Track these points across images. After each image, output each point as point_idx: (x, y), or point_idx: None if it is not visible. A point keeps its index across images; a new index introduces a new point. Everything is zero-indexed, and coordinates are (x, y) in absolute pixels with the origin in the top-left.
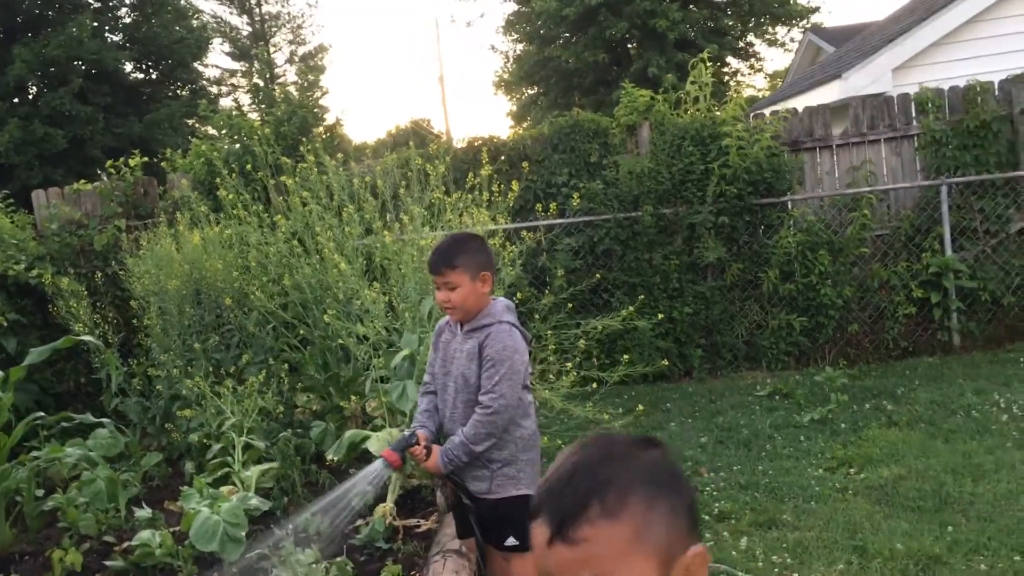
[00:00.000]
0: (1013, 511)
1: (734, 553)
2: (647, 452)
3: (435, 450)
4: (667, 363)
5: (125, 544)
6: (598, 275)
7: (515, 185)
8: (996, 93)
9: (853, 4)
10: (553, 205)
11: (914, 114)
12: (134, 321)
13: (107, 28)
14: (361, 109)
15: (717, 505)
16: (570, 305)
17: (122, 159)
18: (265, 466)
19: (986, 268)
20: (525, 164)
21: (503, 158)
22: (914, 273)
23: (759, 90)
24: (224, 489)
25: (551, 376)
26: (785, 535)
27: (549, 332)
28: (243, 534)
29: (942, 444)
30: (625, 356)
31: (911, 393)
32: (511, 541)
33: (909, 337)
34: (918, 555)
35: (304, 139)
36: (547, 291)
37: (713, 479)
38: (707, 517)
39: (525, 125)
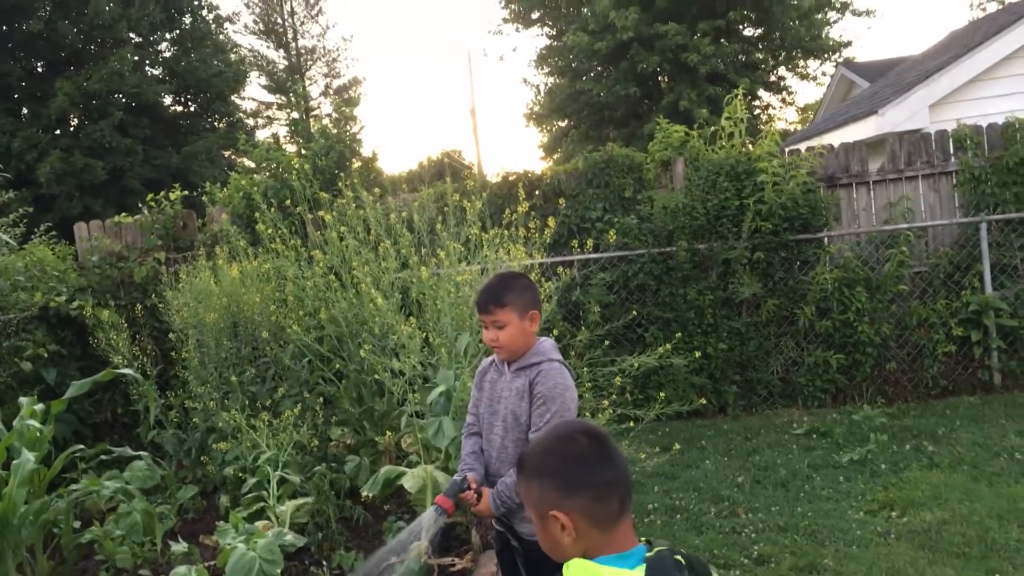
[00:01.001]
0: None
1: None
2: (566, 445)
3: (485, 493)
4: (703, 401)
5: None
6: (634, 311)
7: (551, 221)
8: None
9: (886, 39)
10: (589, 240)
11: (952, 150)
12: (172, 353)
13: (147, 62)
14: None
15: (756, 548)
16: (606, 342)
17: (162, 192)
18: (300, 501)
19: None
20: (561, 200)
21: (538, 193)
22: (953, 311)
23: (790, 123)
24: (259, 524)
25: (587, 414)
26: None
27: (585, 369)
28: (278, 571)
29: (986, 488)
30: (660, 393)
31: (952, 434)
32: None
33: (949, 376)
34: None
35: (341, 173)
36: (582, 325)
37: (751, 520)
38: (746, 560)
39: (556, 157)
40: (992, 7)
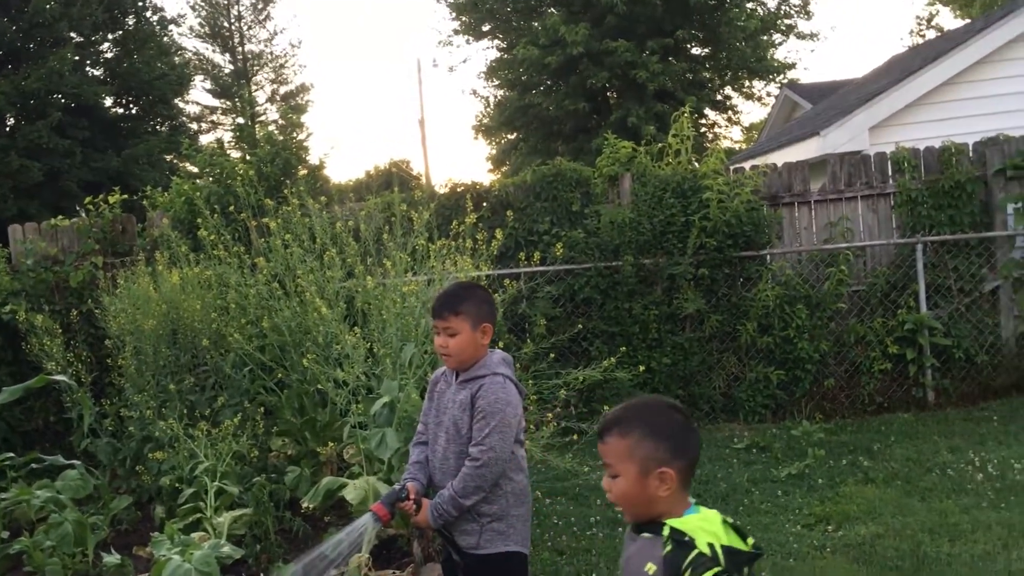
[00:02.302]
0: (990, 573)
1: None
2: (671, 415)
3: (425, 504)
4: None
5: None
6: (580, 324)
7: (499, 233)
8: (970, 155)
9: (829, 62)
10: (536, 253)
11: (890, 172)
12: (108, 360)
13: (88, 62)
14: (341, 148)
15: None
16: (551, 355)
17: (101, 196)
18: (238, 512)
19: (960, 326)
20: (510, 213)
21: (485, 205)
22: (889, 329)
23: (736, 142)
24: (195, 535)
25: (531, 426)
26: None
27: (529, 382)
28: None
29: (918, 502)
30: (605, 406)
31: (887, 449)
32: None
33: (884, 393)
34: None
35: (287, 180)
36: (527, 339)
37: None
38: None
39: (504, 170)
40: (931, 34)
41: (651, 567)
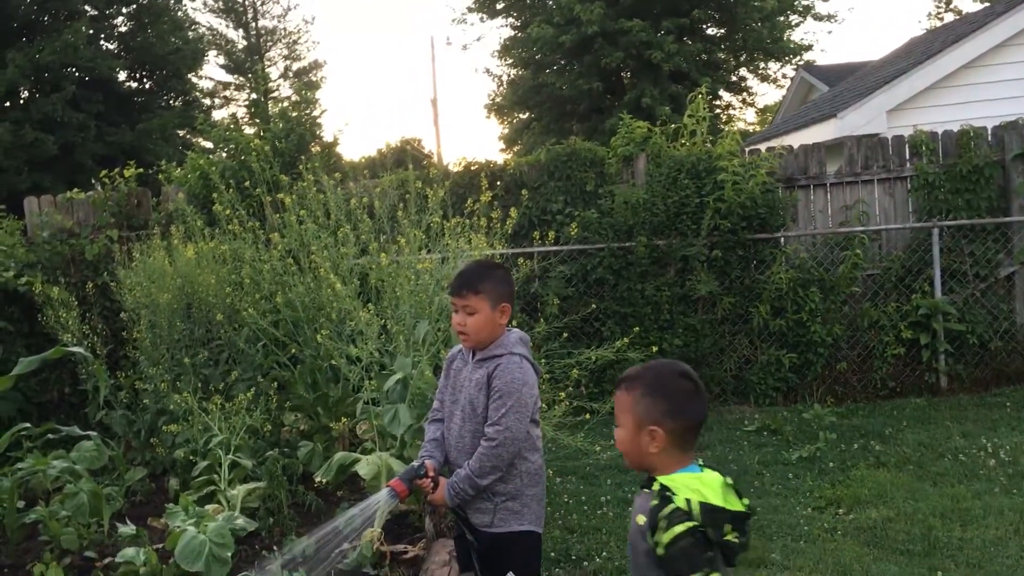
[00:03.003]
0: (1001, 558)
1: None
2: (675, 380)
3: (442, 483)
4: None
5: (107, 560)
6: (592, 304)
7: (513, 212)
8: (989, 139)
9: (845, 44)
10: (550, 233)
11: (908, 156)
12: (123, 333)
13: (102, 36)
14: (353, 126)
15: None
16: (564, 335)
17: (116, 169)
18: (251, 485)
19: (975, 312)
20: (524, 192)
21: (500, 183)
22: (903, 314)
23: (750, 124)
24: (209, 507)
25: (544, 406)
26: (774, 575)
27: (542, 361)
28: (229, 554)
29: (930, 487)
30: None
31: (899, 434)
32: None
33: (897, 377)
34: None
35: (301, 156)
36: (540, 318)
37: None
38: None
39: (516, 150)
40: (949, 17)
41: (641, 518)
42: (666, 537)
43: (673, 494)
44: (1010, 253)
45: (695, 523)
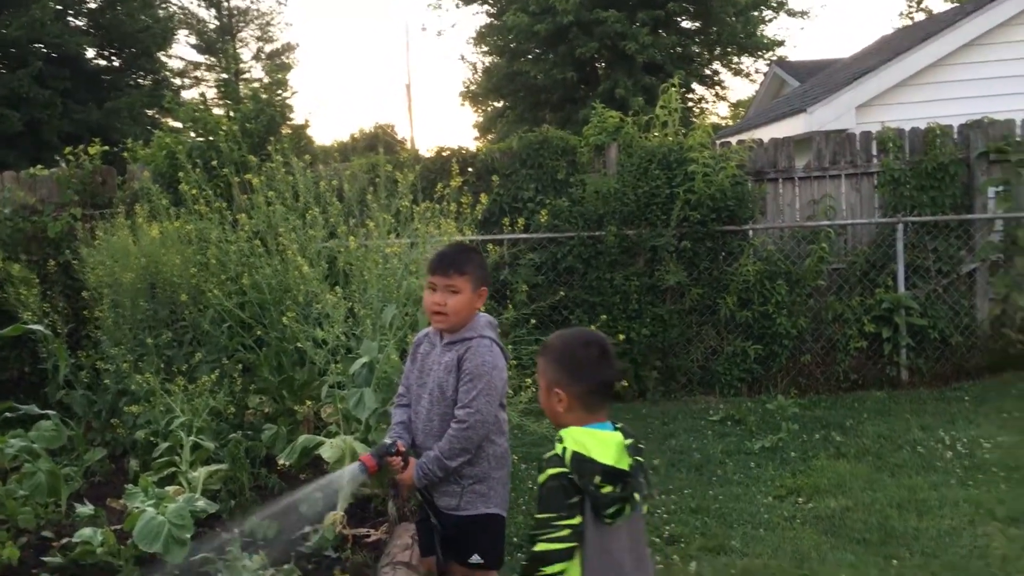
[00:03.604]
0: (956, 548)
1: None
2: (579, 348)
3: (411, 462)
4: (624, 384)
5: (64, 540)
6: (561, 292)
7: (484, 198)
8: (955, 137)
9: (818, 41)
10: (520, 220)
11: (875, 152)
12: (85, 312)
13: (71, 12)
14: (326, 111)
15: (668, 528)
16: (531, 321)
17: (81, 146)
18: (213, 467)
19: (936, 307)
20: (495, 178)
21: (471, 169)
22: (867, 308)
23: (723, 118)
24: (170, 489)
25: (510, 392)
26: (734, 561)
27: (509, 347)
28: (188, 536)
29: (888, 478)
30: None
31: (859, 426)
32: (475, 559)
33: (859, 370)
34: None
35: (271, 138)
36: (509, 305)
37: (664, 502)
38: (657, 540)
39: (490, 138)
40: (921, 16)
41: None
42: (540, 478)
43: (560, 443)
44: (972, 250)
45: (565, 470)
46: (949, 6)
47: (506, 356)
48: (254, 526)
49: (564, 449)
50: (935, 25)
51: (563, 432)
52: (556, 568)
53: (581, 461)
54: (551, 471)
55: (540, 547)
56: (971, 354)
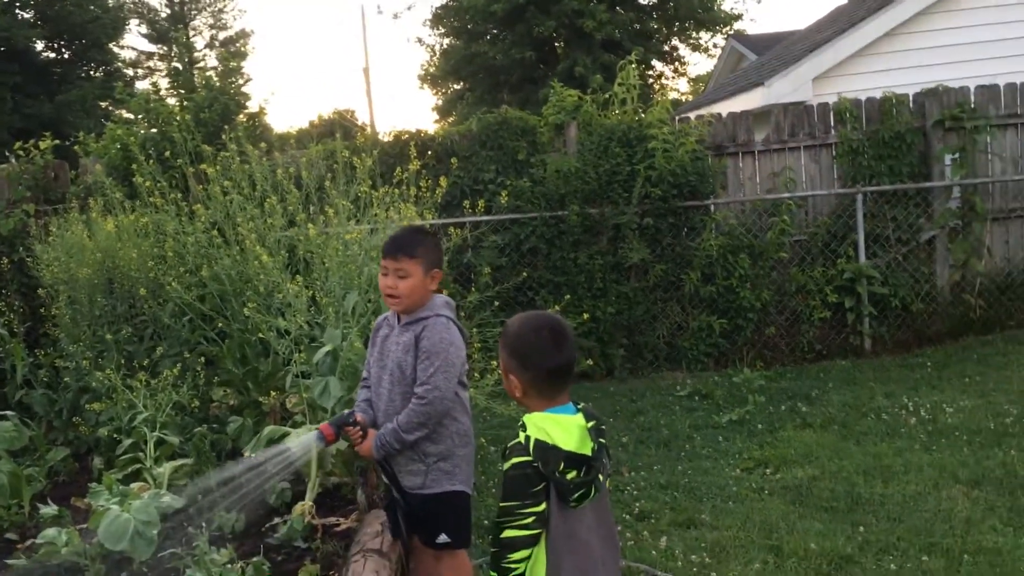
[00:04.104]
0: (920, 512)
1: (654, 552)
2: (530, 335)
3: (371, 434)
4: (590, 362)
5: (29, 542)
6: (525, 273)
7: (443, 181)
8: (910, 106)
9: (775, 13)
10: (481, 202)
11: (832, 123)
12: (41, 310)
13: (17, 4)
14: (283, 97)
15: (637, 504)
16: (496, 303)
17: (31, 141)
18: (179, 462)
19: (897, 275)
20: (454, 160)
21: (430, 153)
22: (829, 278)
23: (683, 94)
24: (135, 486)
25: (476, 374)
26: (704, 535)
27: (474, 330)
28: (154, 533)
29: (854, 446)
30: None
31: (825, 395)
32: (443, 538)
33: (823, 340)
34: (831, 555)
35: (226, 126)
36: (473, 288)
37: (634, 479)
38: (628, 516)
39: (451, 120)
40: None
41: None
42: (504, 466)
43: (523, 430)
44: (931, 218)
45: (529, 458)
46: None
47: (464, 334)
48: (222, 520)
49: (527, 437)
50: None
51: (526, 419)
52: (522, 554)
53: (544, 449)
54: (516, 459)
55: (507, 534)
56: (932, 321)
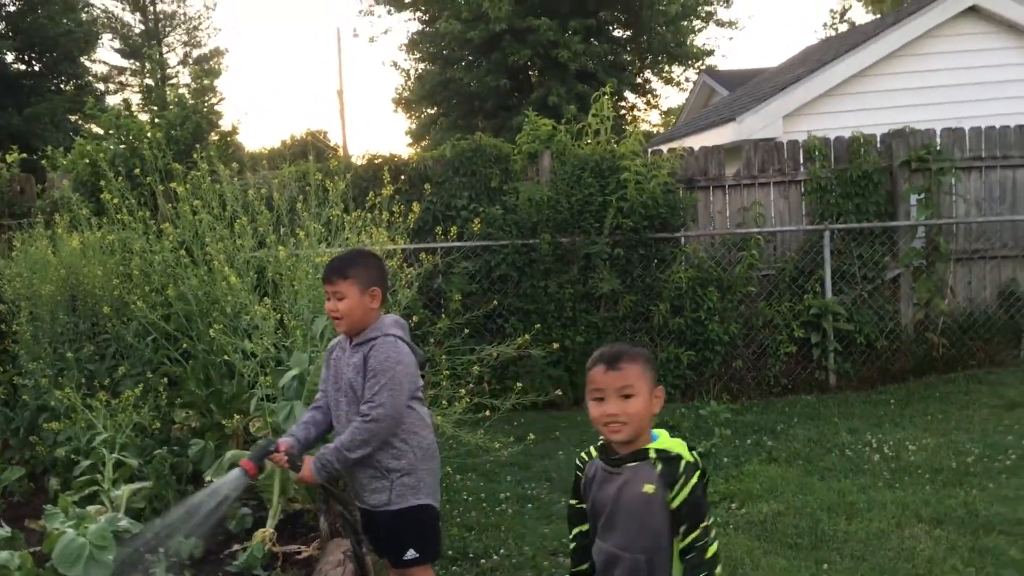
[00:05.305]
0: (884, 550)
1: None
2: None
3: (307, 460)
4: (559, 392)
5: None
6: (495, 300)
7: (416, 207)
8: (878, 146)
9: (747, 51)
10: (453, 228)
11: (802, 160)
12: (1, 326)
13: None
14: (256, 117)
15: None
16: (465, 330)
17: None
18: (137, 485)
19: (862, 312)
20: (427, 186)
21: (403, 178)
22: (796, 313)
23: (654, 126)
24: (91, 509)
25: (443, 401)
26: None
27: (443, 357)
28: (110, 558)
29: (818, 481)
30: (517, 383)
31: (790, 430)
32: (411, 554)
33: (789, 375)
34: None
35: (197, 145)
36: (442, 314)
37: None
38: None
39: (424, 145)
40: (844, 28)
41: (649, 487)
42: (687, 490)
43: (678, 454)
44: (896, 256)
45: (702, 468)
46: (870, 18)
47: (416, 352)
48: (179, 545)
49: (693, 457)
50: (858, 36)
51: (663, 444)
52: (721, 567)
53: (701, 457)
54: (696, 479)
55: (712, 551)
56: (896, 358)
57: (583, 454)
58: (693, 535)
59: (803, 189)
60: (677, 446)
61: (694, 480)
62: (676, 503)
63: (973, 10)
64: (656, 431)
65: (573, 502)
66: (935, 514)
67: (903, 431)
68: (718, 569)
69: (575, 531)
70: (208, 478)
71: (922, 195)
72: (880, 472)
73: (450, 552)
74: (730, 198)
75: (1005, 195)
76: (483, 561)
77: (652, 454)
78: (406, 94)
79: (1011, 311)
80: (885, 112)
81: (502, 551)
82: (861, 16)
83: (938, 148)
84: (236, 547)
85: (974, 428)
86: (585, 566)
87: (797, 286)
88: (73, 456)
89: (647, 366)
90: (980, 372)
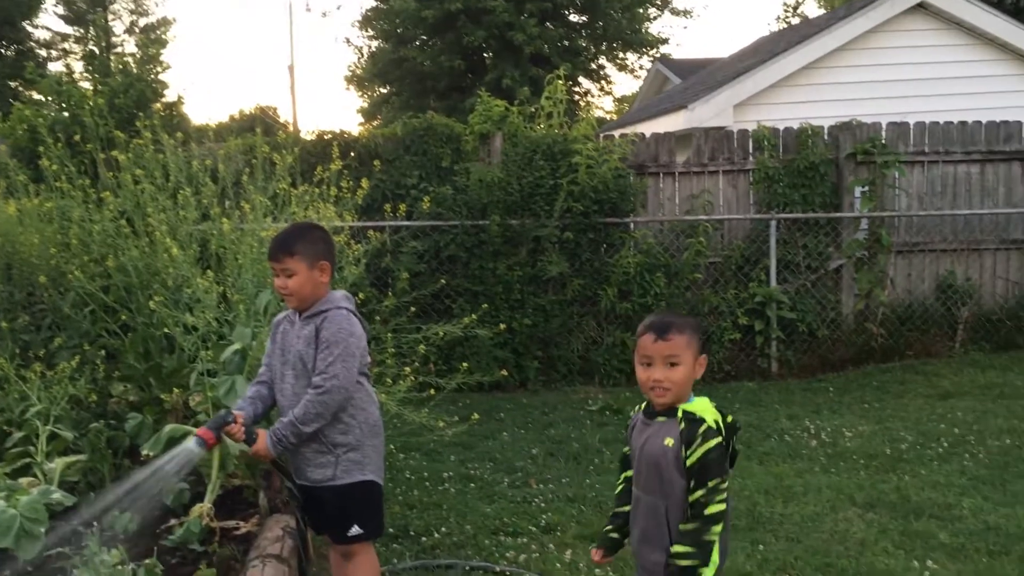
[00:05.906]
0: (818, 532)
1: (558, 565)
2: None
3: (262, 433)
4: (505, 373)
5: None
6: (443, 280)
7: (365, 183)
8: (825, 137)
9: (700, 40)
10: (402, 207)
11: (751, 150)
12: None
13: None
14: (204, 89)
15: (544, 517)
16: (412, 309)
17: None
18: (72, 458)
19: (805, 301)
20: (377, 163)
21: (353, 154)
22: (741, 301)
23: (608, 112)
24: (24, 481)
25: (388, 380)
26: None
27: (389, 335)
28: (42, 530)
29: (757, 465)
30: (463, 364)
31: (732, 415)
32: (355, 530)
33: (732, 361)
34: (730, 572)
35: (141, 114)
36: (389, 293)
37: (541, 491)
38: (534, 528)
39: (376, 123)
40: (797, 21)
41: (669, 440)
42: (701, 450)
43: (702, 417)
44: (839, 247)
45: (720, 439)
46: (822, 11)
47: (364, 327)
48: (114, 519)
49: (715, 420)
50: (809, 29)
51: (693, 407)
52: (720, 526)
53: (728, 427)
54: (713, 442)
55: (712, 510)
56: (836, 347)
57: (636, 407)
58: (700, 492)
59: (751, 178)
60: (706, 411)
61: (710, 444)
62: (690, 461)
63: (921, 7)
64: (697, 397)
65: (625, 449)
66: (868, 498)
67: (840, 418)
68: (717, 527)
69: (623, 475)
70: (145, 452)
71: (866, 187)
72: (817, 457)
73: (391, 530)
74: (679, 185)
75: (946, 190)
76: (424, 539)
77: (680, 413)
78: (359, 71)
79: (948, 304)
80: (833, 104)
81: (443, 529)
82: (814, 10)
83: (883, 142)
84: (173, 522)
85: (909, 416)
86: (627, 507)
87: (743, 274)
88: (5, 428)
89: (693, 336)
90: (916, 362)
